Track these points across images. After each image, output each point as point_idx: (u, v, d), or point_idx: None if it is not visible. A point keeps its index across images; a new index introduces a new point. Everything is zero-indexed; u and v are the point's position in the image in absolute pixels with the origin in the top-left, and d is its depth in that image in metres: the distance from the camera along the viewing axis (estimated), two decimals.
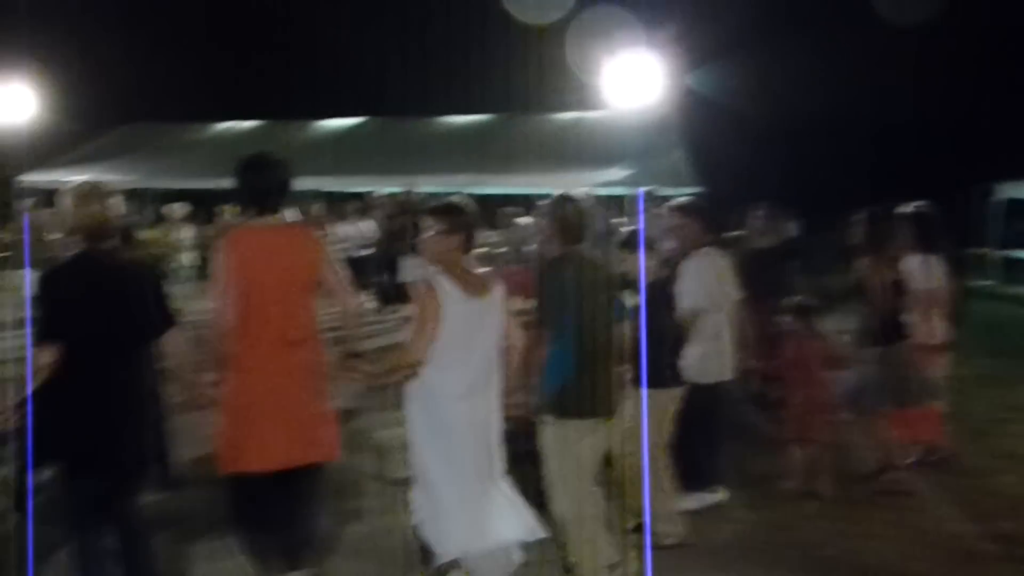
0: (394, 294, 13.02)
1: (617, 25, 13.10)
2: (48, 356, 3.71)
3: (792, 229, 8.46)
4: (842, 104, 23.07)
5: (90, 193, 3.97)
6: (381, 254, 14.21)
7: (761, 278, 6.63)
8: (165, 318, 3.95)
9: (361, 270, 13.61)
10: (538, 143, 17.85)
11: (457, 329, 4.02)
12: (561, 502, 4.37)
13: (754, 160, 21.11)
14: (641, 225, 9.82)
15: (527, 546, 4.34)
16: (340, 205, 17.22)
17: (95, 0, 23.76)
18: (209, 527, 4.88)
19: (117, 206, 4.01)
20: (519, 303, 4.78)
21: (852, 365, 6.26)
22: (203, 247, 14.39)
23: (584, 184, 14.83)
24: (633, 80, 11.34)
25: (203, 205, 16.74)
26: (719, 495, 5.86)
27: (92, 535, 3.82)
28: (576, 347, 4.28)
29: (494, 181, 16.53)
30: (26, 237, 12.88)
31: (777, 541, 5.37)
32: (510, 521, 4.19)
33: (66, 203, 3.97)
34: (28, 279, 3.70)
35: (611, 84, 11.47)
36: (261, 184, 4.20)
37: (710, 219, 6.03)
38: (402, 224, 13.24)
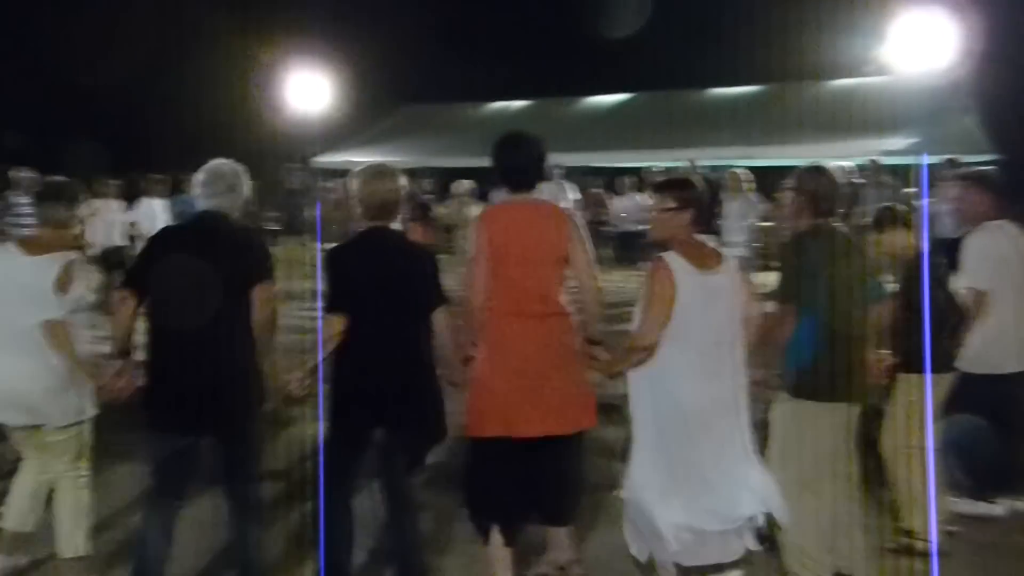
0: None
1: None
2: (337, 326, 3.98)
3: None
4: None
5: (376, 174, 4.17)
6: None
7: None
8: (438, 295, 4.09)
9: (636, 245, 13.66)
10: (814, 112, 17.20)
11: (691, 306, 3.87)
12: (780, 482, 4.10)
13: None
14: (925, 196, 9.33)
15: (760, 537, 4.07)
16: (618, 180, 17.36)
17: None
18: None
19: (401, 186, 4.18)
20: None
21: None
22: None
23: (865, 153, 14.22)
24: (918, 42, 10.69)
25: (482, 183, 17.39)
26: (998, 507, 5.21)
27: (345, 498, 4.11)
28: (822, 325, 4.07)
29: (769, 153, 16.10)
30: (318, 215, 13.74)
31: None
32: (749, 500, 3.96)
33: (354, 183, 4.20)
34: (319, 254, 3.98)
35: (894, 47, 10.87)
36: (513, 162, 4.26)
37: (1003, 190, 5.37)
38: None
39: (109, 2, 25.50)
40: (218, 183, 4.04)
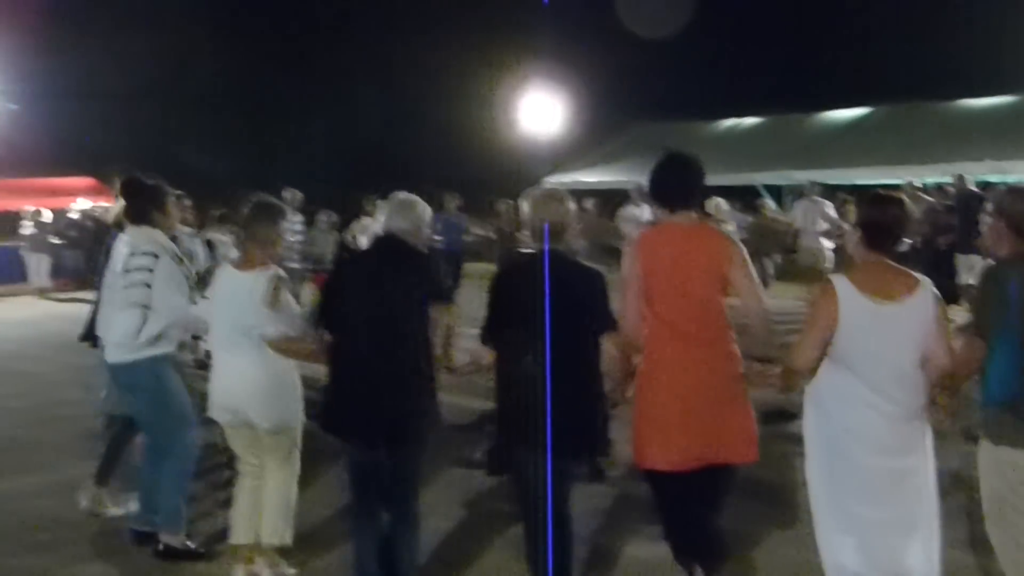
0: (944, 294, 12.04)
1: None
2: (488, 357, 4.20)
3: None
4: None
5: (545, 197, 4.25)
6: (924, 249, 12.60)
7: None
8: (607, 320, 4.08)
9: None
10: None
11: (857, 335, 3.64)
12: (997, 543, 3.72)
13: None
14: None
15: None
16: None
17: (610, 13, 25.46)
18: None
19: (569, 209, 4.22)
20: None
21: None
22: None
23: None
24: None
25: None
26: None
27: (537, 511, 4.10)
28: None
29: (1017, 168, 15.20)
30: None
31: None
32: (912, 554, 3.68)
33: (524, 206, 4.30)
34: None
35: None
36: (667, 183, 4.19)
37: None
38: (947, 218, 12.08)
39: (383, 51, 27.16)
40: (399, 211, 4.35)
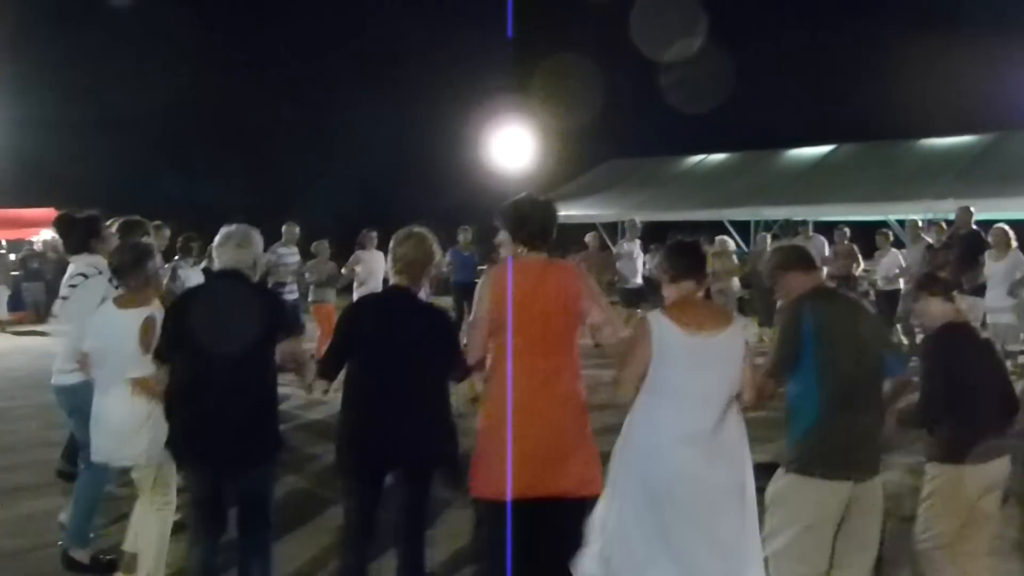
0: None
1: None
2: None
3: None
4: None
5: (405, 236, 4.33)
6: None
7: None
8: (451, 357, 4.20)
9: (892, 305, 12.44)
10: None
11: (673, 368, 3.78)
12: (776, 568, 3.88)
13: None
14: None
15: None
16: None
17: (579, 47, 25.73)
18: None
19: (429, 250, 4.32)
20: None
21: None
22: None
23: None
24: None
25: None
26: None
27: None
28: (827, 392, 3.87)
29: (986, 206, 15.40)
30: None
31: None
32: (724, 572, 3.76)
33: (392, 244, 4.40)
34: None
35: None
36: (531, 223, 4.26)
37: None
38: (945, 256, 11.32)
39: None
40: (237, 245, 4.33)
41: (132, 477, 4.75)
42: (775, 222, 18.42)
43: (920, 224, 12.51)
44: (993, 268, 10.29)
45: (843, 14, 28.15)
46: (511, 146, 20.69)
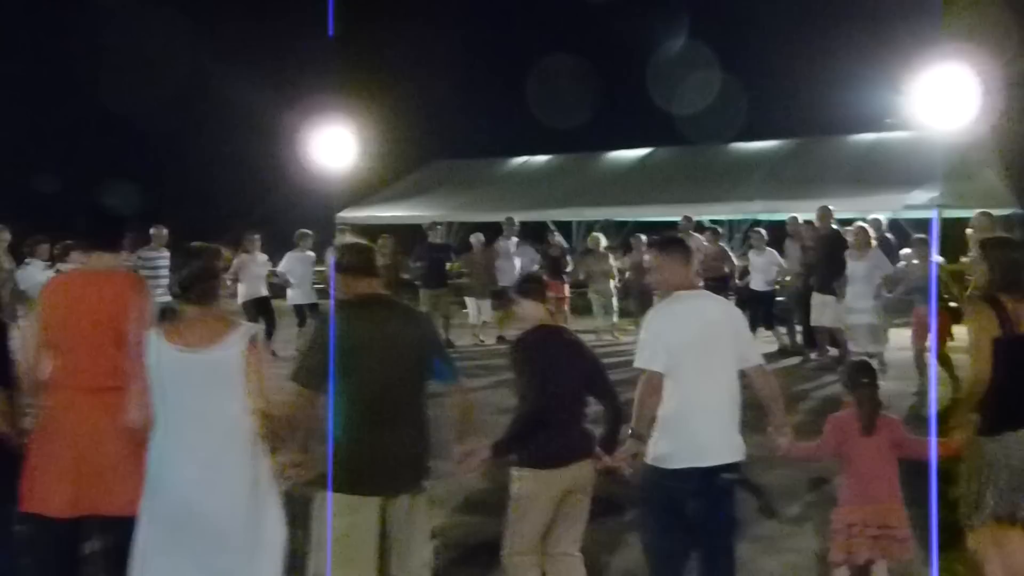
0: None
1: (921, 41, 12.45)
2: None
3: None
4: None
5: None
6: (795, 290, 12.28)
7: None
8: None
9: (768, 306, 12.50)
10: (836, 167, 17.29)
11: (168, 387, 3.59)
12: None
13: None
14: (933, 248, 9.22)
15: None
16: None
17: (403, 48, 25.55)
18: None
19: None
20: None
21: None
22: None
23: (886, 208, 14.22)
24: (942, 98, 10.74)
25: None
26: None
27: None
28: (354, 408, 3.71)
29: (790, 207, 16.19)
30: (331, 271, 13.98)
31: None
32: None
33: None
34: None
35: (918, 103, 10.91)
36: (95, 220, 4.21)
37: None
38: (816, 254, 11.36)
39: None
40: None
41: None
42: (596, 223, 18.78)
43: (800, 222, 12.52)
44: (853, 268, 10.10)
45: (667, 20, 29.09)
46: (333, 148, 20.28)
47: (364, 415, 3.72)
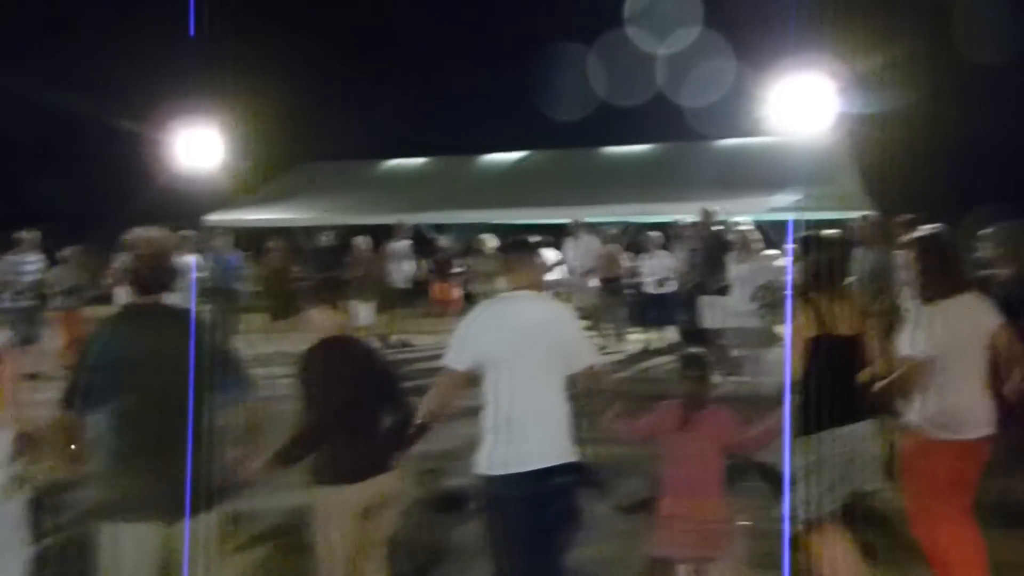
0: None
1: (783, 49, 12.93)
2: None
3: None
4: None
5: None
6: (684, 291, 12.25)
7: None
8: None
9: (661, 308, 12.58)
10: (703, 170, 17.75)
11: None
12: None
13: (933, 180, 20.33)
14: (789, 255, 9.52)
15: None
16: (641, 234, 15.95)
17: (268, 49, 25.06)
18: None
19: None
20: None
21: None
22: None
23: (752, 211, 14.69)
24: (801, 104, 11.19)
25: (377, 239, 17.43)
26: None
27: None
28: (124, 429, 3.51)
29: (662, 209, 16.53)
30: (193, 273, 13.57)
31: None
32: None
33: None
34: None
35: (778, 109, 11.33)
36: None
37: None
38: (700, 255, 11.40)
39: None
40: None
41: None
42: (474, 225, 18.78)
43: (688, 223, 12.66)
44: (736, 270, 10.16)
45: (545, 23, 29.34)
46: (197, 147, 19.71)
47: (133, 437, 3.48)
